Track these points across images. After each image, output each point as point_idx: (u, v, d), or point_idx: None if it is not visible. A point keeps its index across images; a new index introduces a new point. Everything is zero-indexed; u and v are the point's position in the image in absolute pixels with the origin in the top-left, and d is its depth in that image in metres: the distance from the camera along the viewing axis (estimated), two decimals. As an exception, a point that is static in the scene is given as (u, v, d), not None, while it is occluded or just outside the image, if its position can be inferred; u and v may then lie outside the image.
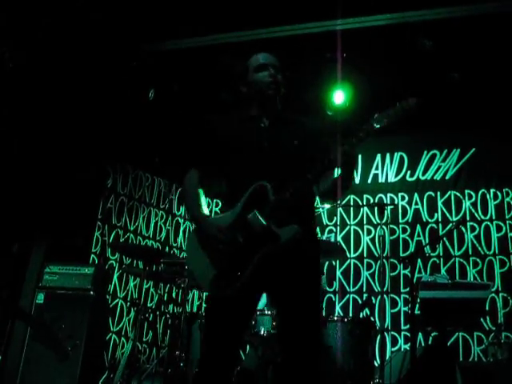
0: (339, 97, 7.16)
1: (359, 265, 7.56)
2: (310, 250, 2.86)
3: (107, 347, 6.59)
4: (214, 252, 2.75)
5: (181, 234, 7.97)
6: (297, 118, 3.16)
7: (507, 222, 7.47)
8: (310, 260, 2.83)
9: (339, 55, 6.42)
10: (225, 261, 2.72)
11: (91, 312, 5.18)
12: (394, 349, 7.04)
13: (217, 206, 8.32)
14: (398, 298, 7.31)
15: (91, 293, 5.29)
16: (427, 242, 7.45)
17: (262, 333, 4.20)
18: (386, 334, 7.12)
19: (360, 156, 7.93)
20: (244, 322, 2.90)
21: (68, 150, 6.29)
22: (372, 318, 6.23)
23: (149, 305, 7.23)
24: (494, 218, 7.53)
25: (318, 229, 3.31)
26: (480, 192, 7.62)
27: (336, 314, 7.22)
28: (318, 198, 3.10)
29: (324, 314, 4.79)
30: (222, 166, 3.02)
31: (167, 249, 7.69)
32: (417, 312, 4.94)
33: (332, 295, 7.47)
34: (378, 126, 2.76)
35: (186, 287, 4.95)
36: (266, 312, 4.34)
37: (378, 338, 5.17)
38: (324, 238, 5.73)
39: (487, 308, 6.76)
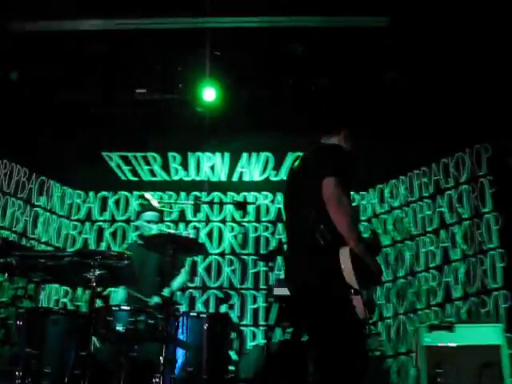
0: (210, 94, 7.19)
1: (221, 261, 7.65)
2: None
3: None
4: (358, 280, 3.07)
5: (39, 225, 7.59)
6: None
7: (362, 222, 7.89)
8: None
9: (210, 53, 6.46)
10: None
11: None
12: (253, 344, 7.20)
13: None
14: (258, 295, 7.48)
15: None
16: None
17: (119, 329, 4.13)
18: (245, 329, 7.27)
19: (227, 154, 8.02)
20: None
21: None
22: (231, 314, 6.33)
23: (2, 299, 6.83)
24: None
25: None
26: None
27: (196, 309, 7.28)
28: None
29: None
30: None
31: (24, 241, 7.30)
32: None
33: (193, 291, 7.49)
34: None
35: (40, 281, 4.73)
36: (123, 308, 4.27)
37: (236, 333, 5.28)
38: (184, 234, 5.72)
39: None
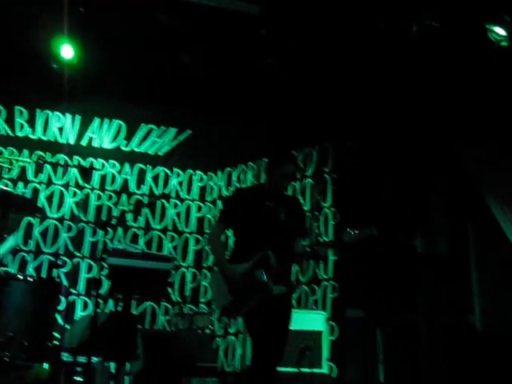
0: (67, 51, 6.86)
1: (59, 226, 7.37)
2: (288, 302, 4.19)
3: None
4: (229, 290, 3.95)
5: None
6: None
7: (207, 203, 8.02)
8: (287, 308, 4.13)
9: (71, 8, 6.15)
10: (235, 296, 3.94)
11: None
12: (84, 313, 7.03)
13: None
14: (94, 264, 7.32)
15: None
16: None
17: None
18: (76, 298, 7.10)
19: (78, 117, 7.71)
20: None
21: None
22: (61, 281, 6.14)
23: None
24: (196, 198, 8.01)
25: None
26: (187, 172, 8.04)
27: (26, 273, 6.95)
28: None
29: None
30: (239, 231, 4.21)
31: None
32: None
33: (26, 254, 7.14)
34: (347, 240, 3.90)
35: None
36: None
37: (65, 300, 5.15)
38: (19, 192, 5.43)
39: (171, 280, 7.19)
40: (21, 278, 4.42)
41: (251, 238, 4.08)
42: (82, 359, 4.65)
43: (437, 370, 6.54)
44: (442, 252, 7.38)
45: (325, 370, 5.93)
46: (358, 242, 3.91)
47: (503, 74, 5.89)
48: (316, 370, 5.72)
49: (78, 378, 4.47)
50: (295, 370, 5.55)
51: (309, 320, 6.03)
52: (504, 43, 5.39)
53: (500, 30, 5.36)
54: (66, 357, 4.75)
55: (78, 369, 4.61)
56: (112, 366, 6.01)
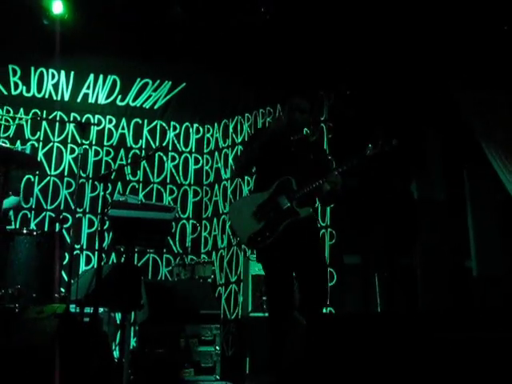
0: (58, 7, 6.81)
1: (59, 183, 7.44)
2: (316, 223, 4.20)
3: None
4: (253, 217, 3.90)
5: None
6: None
7: (205, 156, 8.08)
8: (316, 229, 4.16)
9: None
10: (261, 225, 3.87)
11: None
12: (87, 267, 7.16)
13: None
14: (95, 219, 7.43)
15: None
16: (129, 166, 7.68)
17: None
18: (80, 252, 7.23)
19: (72, 73, 7.68)
20: (284, 263, 3.90)
21: None
22: (66, 237, 6.24)
23: None
24: (193, 150, 8.06)
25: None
26: (184, 125, 8.07)
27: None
28: None
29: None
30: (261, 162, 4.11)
31: None
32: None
33: (28, 212, 7.24)
34: (369, 153, 3.87)
35: None
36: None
37: (70, 256, 5.27)
38: (19, 148, 5.47)
39: (173, 229, 7.31)
40: (25, 232, 4.51)
41: (272, 167, 4.05)
42: (88, 310, 4.78)
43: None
44: (439, 197, 7.48)
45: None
46: (379, 154, 3.88)
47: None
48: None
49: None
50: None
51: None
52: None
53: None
54: (73, 308, 4.87)
55: (85, 319, 4.74)
56: (118, 316, 6.22)
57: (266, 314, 5.42)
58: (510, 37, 6.08)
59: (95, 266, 6.90)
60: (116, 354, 5.41)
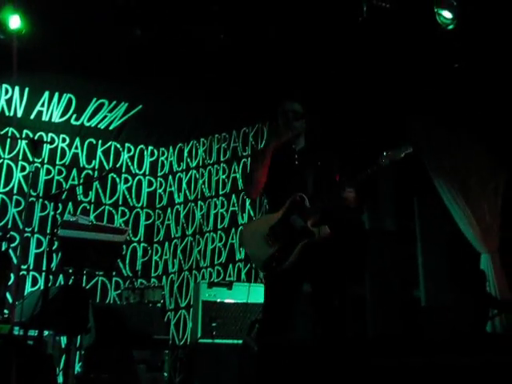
0: (15, 21, 6.71)
1: (7, 201, 7.26)
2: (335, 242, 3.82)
3: None
4: (266, 242, 3.65)
5: None
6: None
7: (158, 179, 8.04)
8: (334, 249, 3.83)
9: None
10: (274, 248, 3.63)
11: None
12: (33, 289, 6.99)
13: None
14: (43, 239, 7.27)
15: None
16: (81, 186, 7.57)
17: None
18: (26, 273, 7.05)
19: (27, 89, 7.54)
20: (295, 291, 3.75)
21: None
22: (13, 258, 6.09)
23: None
24: (147, 173, 8.02)
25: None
26: (139, 147, 8.03)
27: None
28: None
29: None
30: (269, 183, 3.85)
31: None
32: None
33: (-28, 229, 7.03)
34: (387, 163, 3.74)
35: None
36: None
37: (13, 276, 5.13)
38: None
39: (124, 252, 7.22)
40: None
41: (280, 184, 3.81)
42: (32, 333, 4.65)
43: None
44: (389, 227, 7.59)
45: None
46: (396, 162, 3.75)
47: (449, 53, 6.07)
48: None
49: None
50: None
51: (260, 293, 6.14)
52: (451, 26, 5.55)
53: (447, 14, 5.52)
54: (16, 331, 4.74)
55: (30, 342, 4.61)
56: (63, 340, 6.06)
57: (216, 341, 5.42)
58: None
59: (42, 288, 6.79)
60: (60, 379, 5.26)
